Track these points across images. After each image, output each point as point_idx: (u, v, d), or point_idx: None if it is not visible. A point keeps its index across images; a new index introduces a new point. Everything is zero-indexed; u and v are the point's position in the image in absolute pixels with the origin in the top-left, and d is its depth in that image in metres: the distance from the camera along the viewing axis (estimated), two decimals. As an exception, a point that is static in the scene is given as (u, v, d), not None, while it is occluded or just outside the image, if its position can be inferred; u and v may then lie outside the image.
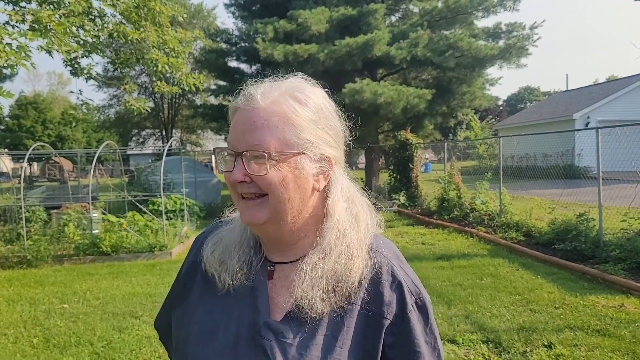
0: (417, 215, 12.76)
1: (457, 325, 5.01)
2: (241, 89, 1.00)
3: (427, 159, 31.30)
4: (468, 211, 11.24)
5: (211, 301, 1.05)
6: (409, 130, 15.36)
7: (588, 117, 23.73)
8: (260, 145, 0.93)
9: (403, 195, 14.65)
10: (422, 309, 1.02)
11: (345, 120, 1.08)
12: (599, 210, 7.57)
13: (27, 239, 8.90)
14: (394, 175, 15.54)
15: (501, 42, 16.37)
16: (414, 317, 0.99)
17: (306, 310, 0.94)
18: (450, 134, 33.04)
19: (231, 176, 0.97)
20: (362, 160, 33.49)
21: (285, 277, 1.02)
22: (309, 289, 0.94)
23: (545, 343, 4.52)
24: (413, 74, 18.25)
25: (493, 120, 40.85)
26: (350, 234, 0.99)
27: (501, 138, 12.18)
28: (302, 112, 0.96)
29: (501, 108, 52.92)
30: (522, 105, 62.12)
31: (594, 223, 7.83)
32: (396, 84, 16.22)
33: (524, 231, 9.15)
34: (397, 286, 0.99)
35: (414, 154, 14.95)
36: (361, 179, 17.72)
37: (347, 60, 14.90)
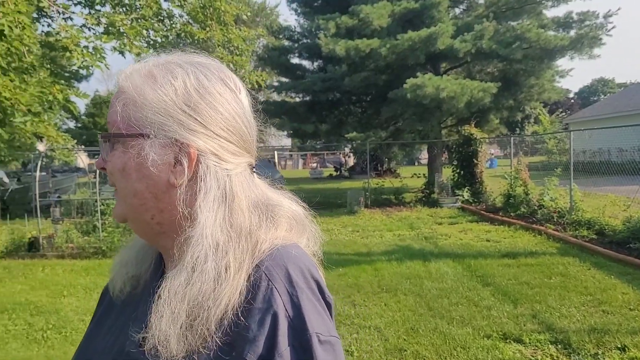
0: (482, 212, 12.46)
1: (524, 325, 4.87)
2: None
3: (492, 154, 30.50)
4: (536, 208, 10.87)
5: (102, 325, 0.90)
6: (473, 125, 15.03)
7: (668, 110, 22.33)
8: (109, 124, 0.81)
9: (467, 191, 14.35)
10: (304, 350, 0.71)
11: (259, 116, 0.90)
12: (679, 208, 7.15)
13: (102, 231, 9.39)
14: (458, 170, 15.25)
15: (572, 32, 15.66)
16: None
17: (161, 351, 0.71)
18: (517, 129, 31.97)
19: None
20: (424, 155, 33.05)
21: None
22: (167, 324, 0.71)
23: (619, 345, 4.32)
24: (478, 67, 17.78)
25: (563, 113, 39.22)
26: (226, 250, 0.75)
27: (572, 132, 11.71)
28: (149, 90, 0.79)
29: (572, 101, 50.69)
30: (595, 98, 59.22)
31: (673, 221, 7.40)
32: (460, 77, 15.86)
33: (597, 229, 8.74)
34: (272, 317, 0.71)
35: (479, 149, 14.61)
36: (423, 174, 17.50)
37: (410, 55, 14.70)
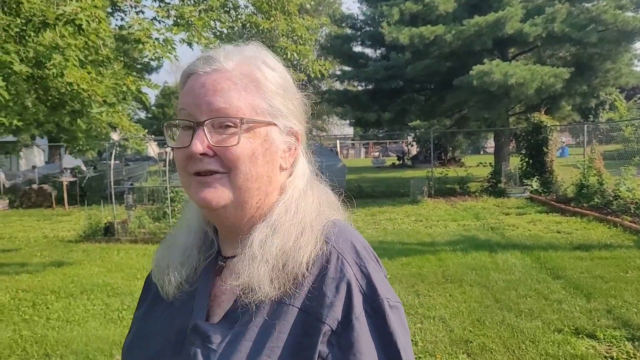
0: (552, 202, 12.00)
1: (598, 320, 4.66)
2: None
3: (563, 142, 29.24)
4: (611, 198, 10.34)
5: (156, 308, 0.94)
6: (543, 112, 14.45)
7: None
8: (228, 109, 0.81)
9: (536, 181, 13.84)
10: (377, 314, 0.80)
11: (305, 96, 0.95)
12: None
13: (172, 217, 9.75)
14: (526, 159, 14.74)
15: (653, 12, 14.71)
16: (361, 326, 0.78)
17: (252, 294, 0.79)
18: (591, 116, 30.42)
19: (190, 149, 0.80)
20: (490, 144, 32.13)
21: (234, 272, 0.85)
22: (259, 268, 0.80)
23: None
24: (549, 52, 17.04)
25: (642, 99, 37.00)
26: (301, 211, 0.86)
27: (652, 119, 11.03)
28: (272, 77, 0.85)
29: (652, 86, 47.62)
30: (677, 82, 55.36)
31: None
32: (529, 63, 15.28)
33: (679, 222, 8.23)
34: (345, 285, 0.80)
35: (549, 137, 14.05)
36: (489, 163, 17.04)
37: (476, 40, 14.28)
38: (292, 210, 0.86)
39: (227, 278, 0.86)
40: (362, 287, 0.81)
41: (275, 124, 0.85)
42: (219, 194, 0.82)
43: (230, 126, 0.81)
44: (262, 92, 0.84)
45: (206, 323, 0.83)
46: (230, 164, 0.81)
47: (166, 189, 10.21)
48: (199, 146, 0.80)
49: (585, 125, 14.22)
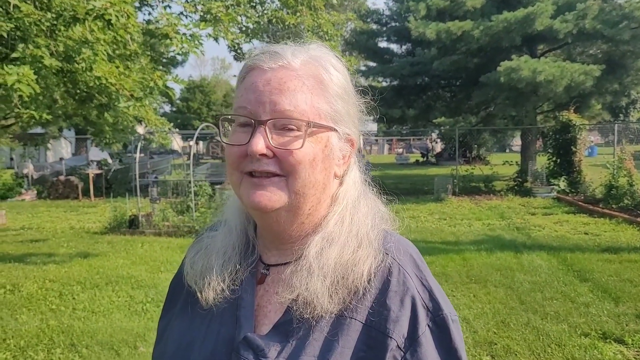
0: (580, 203, 11.78)
1: (626, 325, 4.56)
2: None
3: (592, 141, 28.67)
4: (641, 200, 10.11)
5: (192, 316, 0.88)
6: (572, 111, 14.17)
7: None
8: (293, 112, 0.78)
9: (563, 181, 13.60)
10: (440, 330, 0.80)
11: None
12: None
13: (195, 211, 9.83)
14: (554, 159, 14.47)
15: (690, 9, 14.29)
16: (428, 340, 0.79)
17: (309, 309, 0.77)
18: (622, 115, 29.75)
19: (251, 147, 0.77)
20: (517, 142, 31.66)
21: (279, 281, 0.84)
22: (317, 282, 0.78)
23: None
24: (579, 49, 16.70)
25: (675, 98, 36.03)
26: (356, 222, 0.84)
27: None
28: (338, 79, 0.83)
29: (685, 84, 46.26)
30: None
31: None
32: (559, 60, 14.99)
33: None
34: (410, 299, 0.79)
35: (578, 136, 13.77)
36: (515, 162, 16.80)
37: (504, 37, 14.07)
38: (347, 221, 0.83)
39: (275, 288, 0.84)
40: (424, 302, 0.81)
41: (336, 130, 0.83)
42: (275, 198, 0.79)
43: (293, 129, 0.79)
44: (327, 94, 0.81)
45: (257, 336, 0.80)
46: (290, 167, 0.79)
47: (190, 182, 10.29)
48: (260, 146, 0.77)
49: (616, 125, 13.93)
